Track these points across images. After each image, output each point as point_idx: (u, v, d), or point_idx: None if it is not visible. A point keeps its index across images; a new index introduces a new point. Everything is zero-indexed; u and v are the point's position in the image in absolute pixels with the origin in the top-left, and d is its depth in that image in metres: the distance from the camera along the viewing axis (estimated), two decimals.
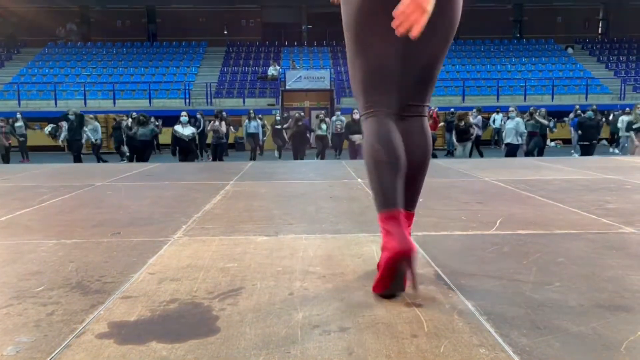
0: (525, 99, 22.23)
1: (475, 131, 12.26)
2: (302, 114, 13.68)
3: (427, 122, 1.72)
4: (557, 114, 18.96)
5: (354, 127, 10.27)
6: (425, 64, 1.59)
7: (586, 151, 12.06)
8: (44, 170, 5.12)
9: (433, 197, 3.20)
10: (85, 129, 13.16)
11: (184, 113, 10.22)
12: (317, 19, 30.41)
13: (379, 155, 1.49)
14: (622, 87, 22.78)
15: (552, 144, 18.02)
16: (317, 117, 14.61)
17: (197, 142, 10.99)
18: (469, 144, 11.73)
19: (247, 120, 15.03)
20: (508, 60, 26.54)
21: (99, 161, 12.69)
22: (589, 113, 12.82)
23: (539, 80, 23.99)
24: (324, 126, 13.19)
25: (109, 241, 2.16)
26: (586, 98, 21.90)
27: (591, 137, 12.34)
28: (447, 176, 4.30)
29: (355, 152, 10.15)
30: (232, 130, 15.50)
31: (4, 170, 5.24)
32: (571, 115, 17.20)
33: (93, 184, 3.87)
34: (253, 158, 13.87)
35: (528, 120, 11.74)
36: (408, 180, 1.57)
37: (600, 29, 31.33)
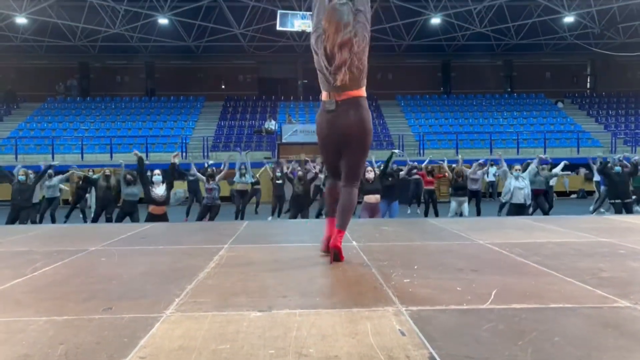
0: (518, 151, 22.51)
1: (470, 186, 12.07)
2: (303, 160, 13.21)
3: (354, 190, 3.29)
4: (553, 167, 19.12)
5: (367, 186, 8.71)
6: (351, 164, 3.26)
7: (620, 209, 10.76)
8: (37, 232, 5.10)
9: (428, 264, 3.19)
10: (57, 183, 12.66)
11: (157, 171, 8.64)
12: (312, 74, 30.87)
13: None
14: (613, 141, 23.17)
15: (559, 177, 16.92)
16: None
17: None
18: (466, 203, 11.45)
19: (237, 176, 13.93)
20: (500, 114, 27.08)
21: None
22: (617, 168, 11.46)
23: (531, 133, 24.41)
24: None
25: (100, 318, 2.13)
26: (578, 151, 22.23)
27: (624, 194, 10.91)
28: (442, 238, 4.30)
29: (372, 211, 8.67)
30: (228, 183, 15.25)
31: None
32: (592, 165, 14.61)
33: (87, 249, 3.85)
34: (241, 217, 13.25)
35: (535, 176, 11.21)
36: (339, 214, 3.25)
37: (588, 83, 32.16)
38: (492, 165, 18.81)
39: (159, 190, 8.26)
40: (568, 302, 2.30)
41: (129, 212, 9.27)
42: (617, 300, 2.32)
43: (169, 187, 8.48)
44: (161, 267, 3.21)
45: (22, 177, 9.80)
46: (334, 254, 3.20)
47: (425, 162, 15.04)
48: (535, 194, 11.10)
